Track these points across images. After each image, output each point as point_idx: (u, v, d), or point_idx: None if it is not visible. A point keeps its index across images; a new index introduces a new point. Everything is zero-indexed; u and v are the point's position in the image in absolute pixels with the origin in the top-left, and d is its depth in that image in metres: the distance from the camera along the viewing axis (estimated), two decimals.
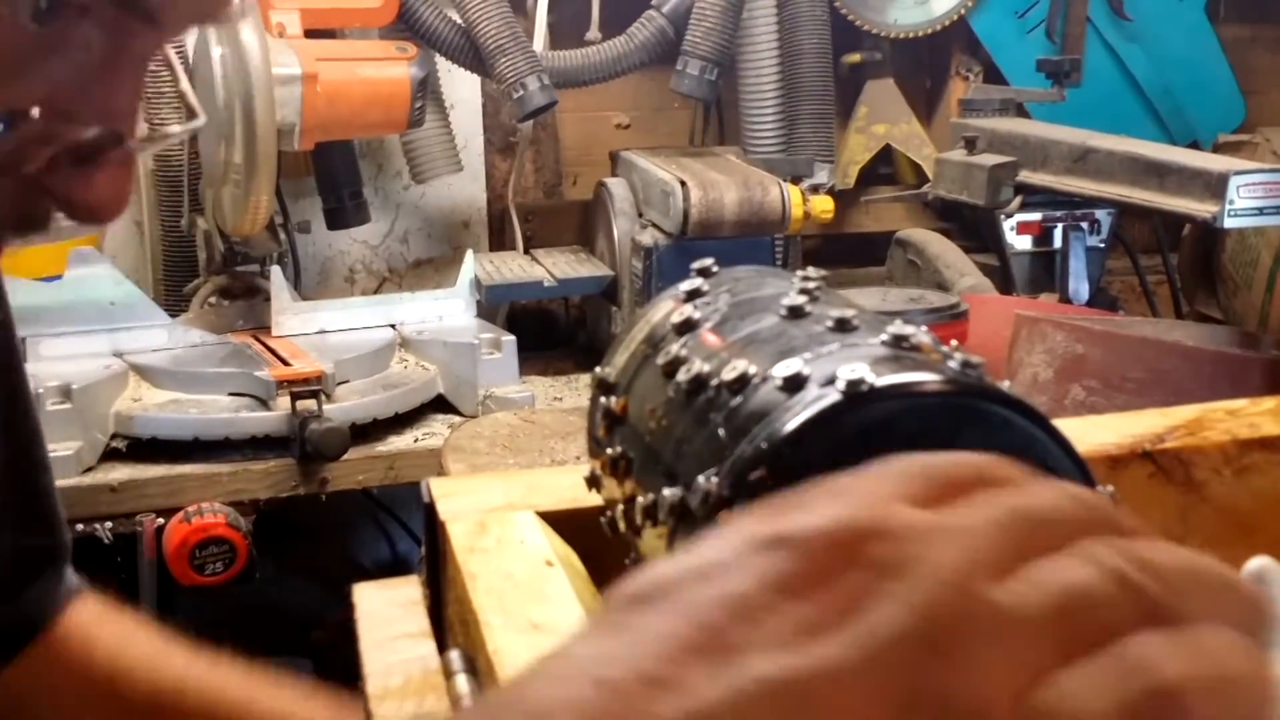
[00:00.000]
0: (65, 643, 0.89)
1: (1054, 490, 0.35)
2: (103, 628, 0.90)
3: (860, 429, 0.44)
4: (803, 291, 0.53)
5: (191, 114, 0.66)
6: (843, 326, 0.50)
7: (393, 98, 1.91)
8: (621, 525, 0.54)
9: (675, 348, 0.52)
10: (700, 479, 0.45)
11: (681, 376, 0.50)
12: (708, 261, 0.59)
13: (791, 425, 0.44)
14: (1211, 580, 0.33)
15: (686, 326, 0.54)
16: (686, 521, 0.46)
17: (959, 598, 0.31)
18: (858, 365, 0.45)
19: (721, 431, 0.47)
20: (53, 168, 0.60)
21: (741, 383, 0.47)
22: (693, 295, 0.57)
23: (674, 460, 0.49)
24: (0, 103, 0.57)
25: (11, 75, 0.57)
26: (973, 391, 0.45)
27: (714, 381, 0.49)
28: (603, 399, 0.57)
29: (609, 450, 0.55)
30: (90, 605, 0.91)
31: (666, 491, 0.47)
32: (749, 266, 0.60)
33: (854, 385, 0.44)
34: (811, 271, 0.56)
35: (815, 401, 0.44)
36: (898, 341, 0.48)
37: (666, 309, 0.56)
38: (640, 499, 0.50)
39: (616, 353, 0.58)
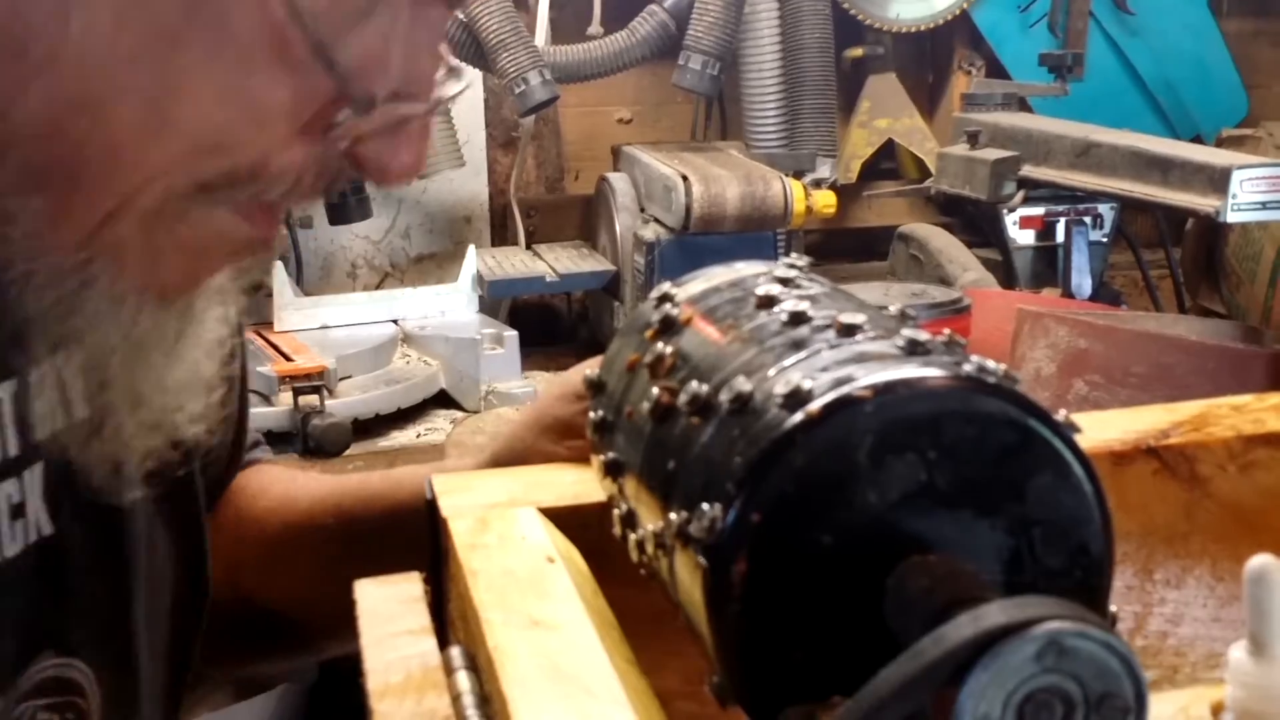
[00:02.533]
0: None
1: None
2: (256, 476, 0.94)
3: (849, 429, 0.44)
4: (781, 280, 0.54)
5: (456, 74, 0.65)
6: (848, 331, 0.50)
7: None
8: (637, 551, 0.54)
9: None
10: (705, 506, 0.45)
11: (682, 399, 0.50)
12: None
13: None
14: None
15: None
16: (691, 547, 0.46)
17: None
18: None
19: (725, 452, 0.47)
20: (361, 138, 0.60)
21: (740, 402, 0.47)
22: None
23: (674, 477, 0.49)
24: (358, 89, 0.57)
25: (336, 36, 0.57)
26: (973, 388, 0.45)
27: (713, 400, 0.49)
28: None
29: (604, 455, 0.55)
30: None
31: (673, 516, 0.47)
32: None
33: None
34: (797, 258, 0.57)
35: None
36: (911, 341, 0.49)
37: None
38: (649, 526, 0.50)
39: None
